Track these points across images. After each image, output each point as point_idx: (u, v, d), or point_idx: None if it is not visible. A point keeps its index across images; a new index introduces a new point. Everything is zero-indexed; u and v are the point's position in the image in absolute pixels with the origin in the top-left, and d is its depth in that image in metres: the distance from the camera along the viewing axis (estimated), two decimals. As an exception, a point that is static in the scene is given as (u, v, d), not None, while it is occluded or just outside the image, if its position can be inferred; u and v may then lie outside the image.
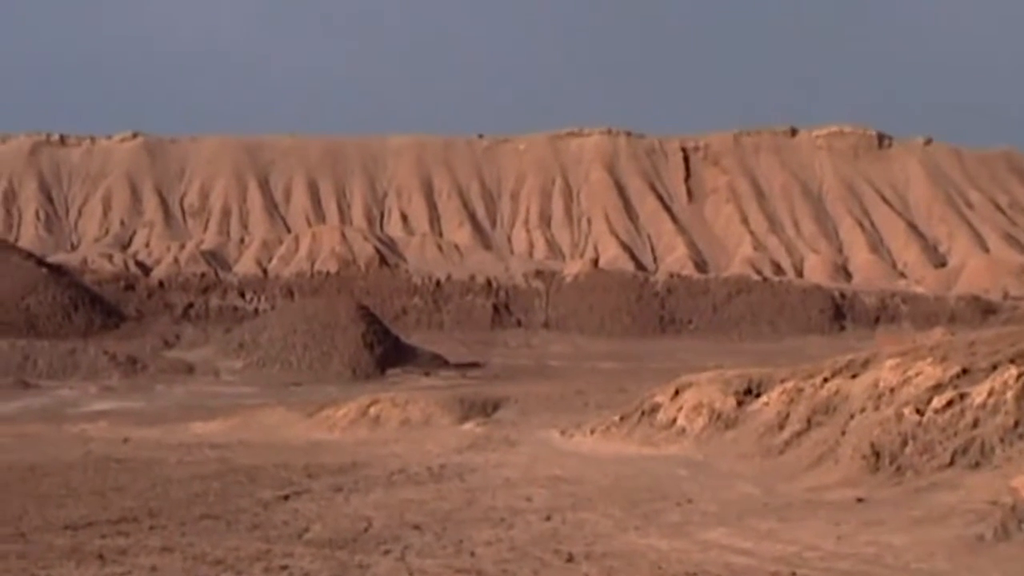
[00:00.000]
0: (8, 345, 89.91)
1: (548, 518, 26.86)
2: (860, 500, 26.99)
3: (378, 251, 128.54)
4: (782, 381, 38.27)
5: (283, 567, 22.30)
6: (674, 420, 39.80)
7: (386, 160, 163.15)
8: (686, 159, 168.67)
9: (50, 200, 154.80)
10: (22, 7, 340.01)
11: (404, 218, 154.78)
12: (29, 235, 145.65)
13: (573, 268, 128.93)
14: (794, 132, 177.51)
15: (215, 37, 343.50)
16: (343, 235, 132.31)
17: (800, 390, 36.59)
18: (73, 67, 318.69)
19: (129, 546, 24.65)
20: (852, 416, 32.77)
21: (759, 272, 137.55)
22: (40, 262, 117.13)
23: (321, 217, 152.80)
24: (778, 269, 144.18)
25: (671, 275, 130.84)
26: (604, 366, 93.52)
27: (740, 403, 38.66)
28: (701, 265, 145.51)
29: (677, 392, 41.18)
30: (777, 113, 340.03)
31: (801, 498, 28.32)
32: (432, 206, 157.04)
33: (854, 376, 35.42)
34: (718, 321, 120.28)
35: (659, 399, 41.48)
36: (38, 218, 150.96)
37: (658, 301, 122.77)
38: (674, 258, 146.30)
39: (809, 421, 34.53)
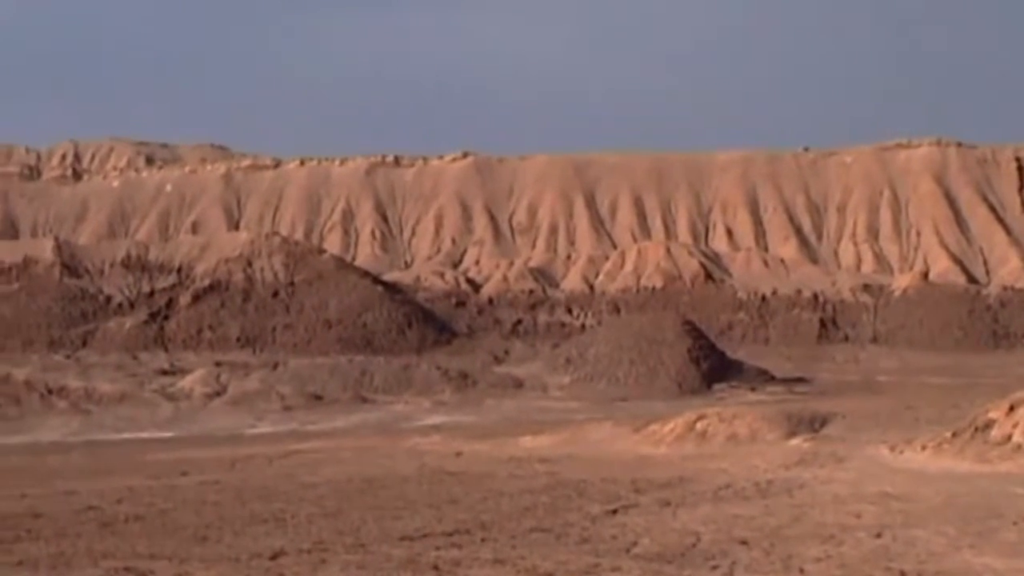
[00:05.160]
0: (347, 361, 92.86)
1: (879, 535, 26.59)
2: None
3: (703, 266, 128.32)
4: (1124, 397, 37.02)
5: (612, 580, 22.65)
6: (1009, 436, 38.83)
7: (711, 175, 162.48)
8: (1020, 168, 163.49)
9: (385, 220, 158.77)
10: (358, 37, 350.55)
11: (729, 233, 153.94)
12: (365, 254, 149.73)
13: (902, 282, 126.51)
14: None
15: (542, 56, 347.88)
16: (668, 250, 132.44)
17: None
18: (406, 90, 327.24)
19: (462, 558, 25.33)
20: None
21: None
22: (376, 280, 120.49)
23: (647, 233, 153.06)
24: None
25: (1004, 287, 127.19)
26: (934, 381, 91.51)
27: (1079, 420, 37.53)
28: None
29: (1012, 408, 40.15)
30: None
31: None
32: (757, 220, 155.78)
33: None
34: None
35: (993, 415, 40.51)
36: (374, 237, 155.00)
37: (991, 315, 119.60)
38: (1007, 270, 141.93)
39: None
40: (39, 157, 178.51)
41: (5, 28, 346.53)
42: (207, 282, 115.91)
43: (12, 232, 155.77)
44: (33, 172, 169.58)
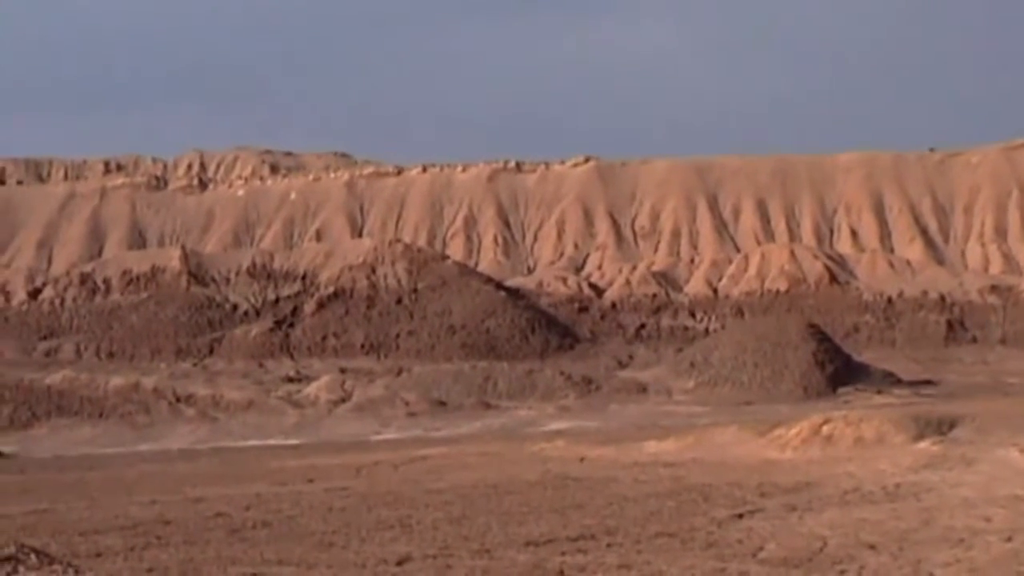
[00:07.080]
0: (470, 367, 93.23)
1: (1009, 539, 26.18)
2: None
3: (828, 268, 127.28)
4: None
5: (738, 585, 22.51)
6: None
7: (835, 177, 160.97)
8: None
9: (507, 225, 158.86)
10: (478, 43, 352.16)
11: (854, 235, 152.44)
12: (488, 260, 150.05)
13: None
14: None
15: (664, 60, 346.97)
16: (792, 253, 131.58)
17: None
18: (527, 96, 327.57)
19: (588, 563, 25.30)
20: None
21: None
22: (499, 286, 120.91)
23: (770, 236, 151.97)
24: None
25: None
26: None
27: None
28: None
29: None
30: None
31: None
32: (882, 222, 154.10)
33: None
34: None
35: None
36: (496, 243, 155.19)
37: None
38: None
39: None
40: (165, 167, 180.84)
41: (131, 39, 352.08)
42: (331, 289, 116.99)
43: (139, 242, 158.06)
44: (159, 182, 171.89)
